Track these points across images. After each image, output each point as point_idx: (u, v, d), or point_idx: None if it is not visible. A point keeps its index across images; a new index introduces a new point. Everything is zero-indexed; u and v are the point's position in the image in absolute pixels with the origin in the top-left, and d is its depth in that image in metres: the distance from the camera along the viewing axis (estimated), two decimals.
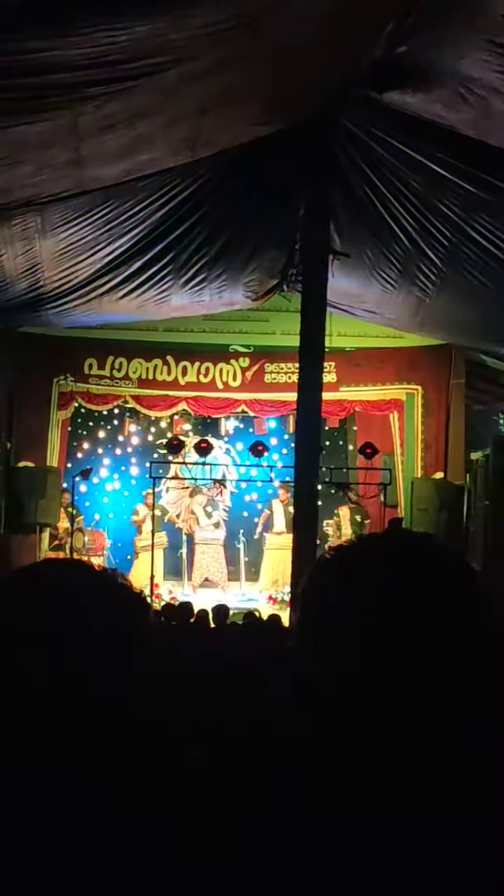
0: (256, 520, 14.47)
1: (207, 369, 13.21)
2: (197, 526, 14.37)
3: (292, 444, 11.47)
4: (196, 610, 8.61)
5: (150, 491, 13.01)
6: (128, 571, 12.62)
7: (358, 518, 13.37)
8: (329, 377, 12.17)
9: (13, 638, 1.05)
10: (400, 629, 0.96)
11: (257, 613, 9.32)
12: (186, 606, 8.90)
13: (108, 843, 1.00)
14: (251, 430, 14.49)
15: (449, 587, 1.00)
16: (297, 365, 9.07)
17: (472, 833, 0.94)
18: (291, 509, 13.17)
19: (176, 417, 14.32)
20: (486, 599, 1.01)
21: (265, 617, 8.83)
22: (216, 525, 14.43)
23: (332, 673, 0.98)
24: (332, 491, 13.07)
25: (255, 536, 14.24)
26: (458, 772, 0.95)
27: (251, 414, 13.81)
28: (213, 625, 8.18)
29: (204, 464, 13.30)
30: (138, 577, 11.89)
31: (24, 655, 1.04)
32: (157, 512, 13.66)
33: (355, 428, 14.29)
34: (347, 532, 13.17)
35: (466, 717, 0.96)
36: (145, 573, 12.05)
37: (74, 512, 13.24)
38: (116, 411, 14.24)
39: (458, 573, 1.02)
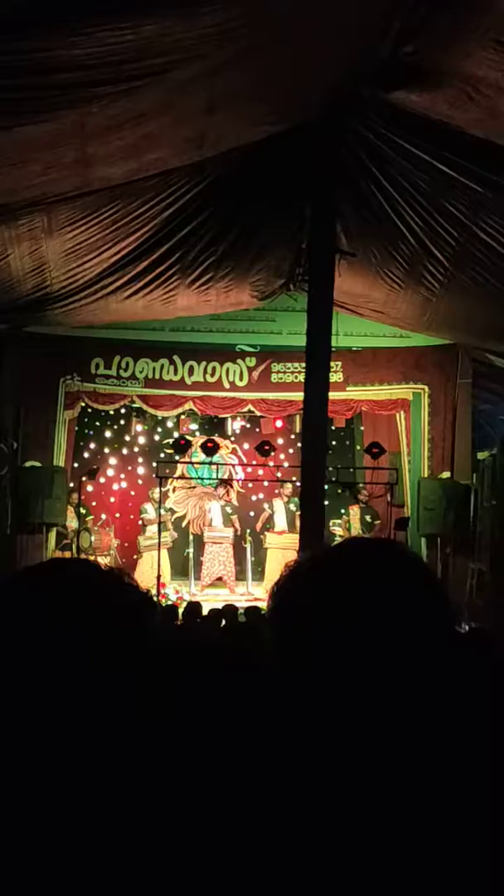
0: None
1: (214, 369, 13.20)
2: (208, 526, 14.36)
3: (299, 444, 11.46)
4: (205, 610, 8.61)
5: (158, 490, 13.03)
6: (132, 571, 12.62)
7: (368, 518, 13.35)
8: (336, 377, 12.16)
9: (18, 637, 1.05)
10: (355, 631, 0.97)
11: (263, 611, 9.31)
12: (194, 606, 8.90)
13: (114, 842, 1.00)
14: (258, 429, 14.49)
15: (406, 591, 1.01)
16: (303, 364, 9.05)
17: (464, 830, 0.94)
18: (292, 507, 13.18)
19: (182, 417, 14.31)
20: (443, 600, 1.02)
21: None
22: (228, 524, 14.41)
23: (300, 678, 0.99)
24: (340, 491, 13.06)
25: (258, 530, 14.24)
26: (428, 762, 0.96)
27: (258, 413, 13.80)
28: (222, 623, 8.19)
29: (210, 463, 13.30)
30: (142, 577, 11.89)
31: (30, 654, 1.04)
32: (163, 511, 13.65)
33: (362, 427, 14.28)
34: (357, 532, 13.15)
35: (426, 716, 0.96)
36: (149, 573, 12.04)
37: (85, 512, 13.25)
38: (123, 411, 14.24)
39: (416, 577, 1.03)
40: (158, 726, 1.05)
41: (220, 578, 13.84)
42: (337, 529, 13.35)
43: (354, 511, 13.48)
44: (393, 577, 1.02)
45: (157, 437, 15.13)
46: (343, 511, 13.65)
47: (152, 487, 13.65)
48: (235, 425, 14.71)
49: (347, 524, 13.42)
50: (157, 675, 1.12)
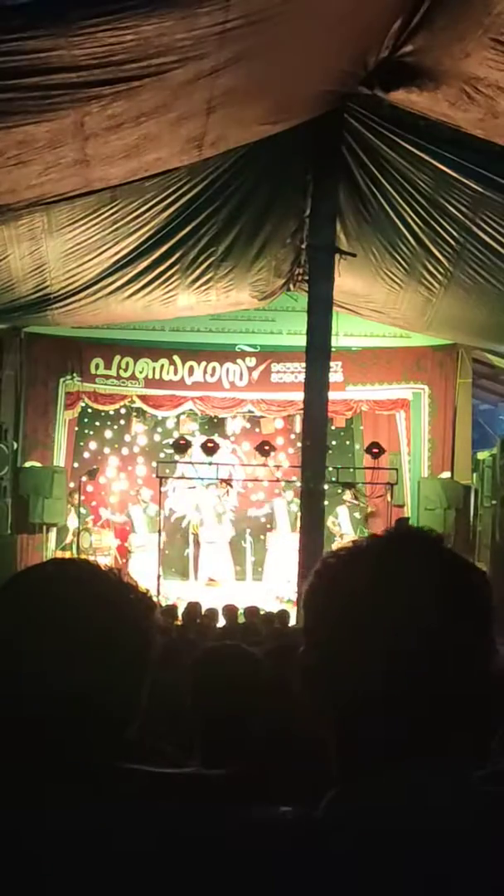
0: (263, 518, 14.50)
1: (214, 369, 13.21)
2: (201, 526, 14.33)
3: (299, 444, 11.46)
4: (203, 609, 8.60)
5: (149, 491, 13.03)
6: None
7: (357, 516, 13.37)
8: (336, 377, 12.15)
9: (19, 637, 1.05)
10: (394, 624, 0.96)
11: (262, 612, 9.30)
12: (193, 606, 8.90)
13: (112, 844, 1.00)
14: (258, 429, 14.48)
15: (446, 581, 1.00)
16: (303, 364, 9.06)
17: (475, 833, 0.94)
18: (294, 507, 13.18)
19: (182, 417, 14.32)
20: (482, 592, 1.01)
21: (270, 613, 8.82)
22: (221, 523, 14.38)
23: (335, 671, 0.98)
24: (339, 491, 13.06)
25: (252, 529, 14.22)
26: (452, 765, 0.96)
27: (258, 413, 13.81)
28: (222, 623, 8.18)
29: (210, 463, 13.29)
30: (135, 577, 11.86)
31: (30, 654, 1.04)
32: (153, 514, 13.62)
33: (362, 427, 14.27)
34: (348, 531, 13.16)
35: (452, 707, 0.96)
36: (141, 573, 12.02)
37: (85, 512, 13.24)
38: (123, 411, 14.24)
39: (456, 568, 1.02)
40: (165, 724, 1.05)
41: (212, 579, 13.83)
42: (336, 529, 13.35)
43: (342, 510, 13.49)
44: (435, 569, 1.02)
45: (157, 438, 15.12)
46: (333, 511, 13.63)
47: (140, 488, 13.68)
48: (235, 425, 14.69)
49: (337, 524, 13.40)
50: (159, 673, 1.12)
